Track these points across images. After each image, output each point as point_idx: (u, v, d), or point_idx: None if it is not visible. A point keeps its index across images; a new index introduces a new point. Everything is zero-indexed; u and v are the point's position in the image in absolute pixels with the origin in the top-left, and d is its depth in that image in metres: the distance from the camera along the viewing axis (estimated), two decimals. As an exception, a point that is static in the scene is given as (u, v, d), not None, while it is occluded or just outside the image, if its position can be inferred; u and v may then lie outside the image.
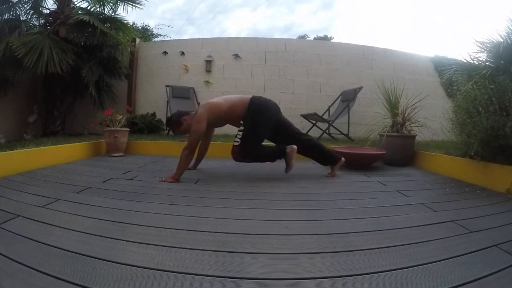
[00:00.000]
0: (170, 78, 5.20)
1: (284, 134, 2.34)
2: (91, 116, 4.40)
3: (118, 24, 4.59)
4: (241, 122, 2.20)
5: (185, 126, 2.25)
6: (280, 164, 2.43)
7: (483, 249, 1.00)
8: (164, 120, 4.54)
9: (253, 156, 2.24)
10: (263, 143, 2.29)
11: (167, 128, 4.59)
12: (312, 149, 2.38)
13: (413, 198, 1.72)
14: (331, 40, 15.47)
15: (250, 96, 2.30)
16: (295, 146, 2.25)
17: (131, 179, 2.13)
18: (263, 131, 2.25)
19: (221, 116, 2.24)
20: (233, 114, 2.24)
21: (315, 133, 4.31)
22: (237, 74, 5.22)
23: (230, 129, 2.71)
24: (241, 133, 2.19)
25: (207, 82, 5.21)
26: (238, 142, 2.18)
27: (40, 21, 4.48)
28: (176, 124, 2.28)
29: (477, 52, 2.49)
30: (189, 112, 2.33)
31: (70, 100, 4.73)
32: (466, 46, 5.35)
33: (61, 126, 4.49)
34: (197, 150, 2.49)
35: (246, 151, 2.18)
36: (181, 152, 2.11)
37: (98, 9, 4.61)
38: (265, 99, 2.34)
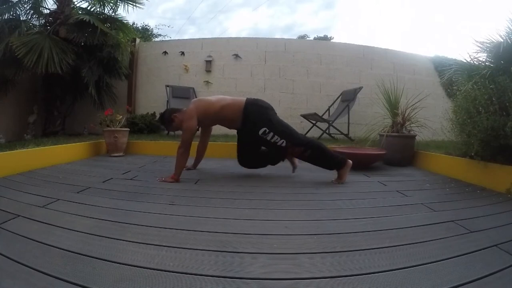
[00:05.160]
0: (170, 78, 5.20)
1: None
2: (91, 116, 4.40)
3: (118, 24, 4.60)
4: (265, 129, 2.11)
5: (176, 122, 2.27)
6: (280, 164, 2.43)
7: (483, 249, 1.00)
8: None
9: (303, 141, 2.14)
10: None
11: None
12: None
13: (413, 198, 1.72)
14: (331, 40, 15.49)
15: (244, 99, 2.24)
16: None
17: (131, 179, 2.13)
18: (277, 118, 2.22)
19: (211, 117, 2.23)
20: (224, 116, 2.23)
21: (315, 133, 4.32)
22: (237, 74, 5.22)
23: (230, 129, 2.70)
24: (271, 134, 2.10)
25: (207, 82, 5.22)
26: (281, 141, 2.10)
27: (40, 21, 4.49)
28: (168, 121, 2.31)
29: (477, 52, 2.49)
30: (181, 109, 2.35)
31: (70, 100, 4.73)
32: (466, 46, 5.34)
33: (61, 126, 4.50)
34: (195, 150, 2.50)
35: (290, 138, 2.12)
36: (176, 151, 2.11)
37: (98, 9, 4.62)
38: (256, 99, 2.30)
